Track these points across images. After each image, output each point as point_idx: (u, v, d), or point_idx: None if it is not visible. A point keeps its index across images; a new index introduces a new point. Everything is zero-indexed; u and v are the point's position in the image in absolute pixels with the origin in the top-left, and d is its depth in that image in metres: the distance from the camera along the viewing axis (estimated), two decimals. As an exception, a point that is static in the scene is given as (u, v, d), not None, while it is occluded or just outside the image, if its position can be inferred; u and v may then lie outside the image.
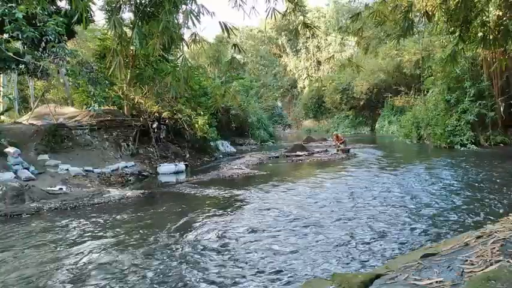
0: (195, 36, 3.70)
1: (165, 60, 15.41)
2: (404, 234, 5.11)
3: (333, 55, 35.17)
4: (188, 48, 4.05)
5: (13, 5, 8.25)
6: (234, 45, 4.11)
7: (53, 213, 7.35)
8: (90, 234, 5.83)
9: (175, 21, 3.53)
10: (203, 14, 3.45)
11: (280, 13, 4.28)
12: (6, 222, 6.68)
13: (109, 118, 13.88)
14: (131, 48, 12.44)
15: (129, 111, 14.99)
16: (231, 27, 3.66)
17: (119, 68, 3.51)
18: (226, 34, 3.70)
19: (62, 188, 9.01)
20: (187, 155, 15.38)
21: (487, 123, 15.62)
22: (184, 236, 5.52)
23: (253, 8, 4.16)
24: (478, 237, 2.70)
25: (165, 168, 12.82)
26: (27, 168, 9.68)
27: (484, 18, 5.20)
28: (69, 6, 10.79)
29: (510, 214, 3.44)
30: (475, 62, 16.11)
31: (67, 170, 10.41)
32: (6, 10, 8.09)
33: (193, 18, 3.33)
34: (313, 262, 4.25)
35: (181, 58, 3.70)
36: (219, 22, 3.62)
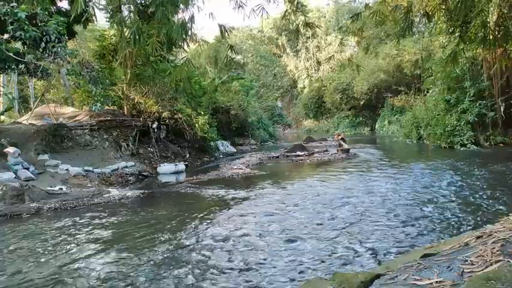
0: (193, 36, 3.70)
1: (165, 60, 15.41)
2: (405, 234, 5.11)
3: (333, 55, 35.11)
4: (188, 47, 4.05)
5: (14, 4, 8.24)
6: (230, 46, 4.10)
7: (53, 213, 7.35)
8: (90, 234, 5.84)
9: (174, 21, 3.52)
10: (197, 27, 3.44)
11: (267, 13, 4.25)
12: (6, 222, 6.69)
13: (109, 118, 13.88)
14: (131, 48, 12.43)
15: (129, 111, 14.98)
16: (230, 29, 3.66)
17: (123, 65, 3.51)
18: (224, 35, 3.70)
19: (62, 188, 9.01)
20: (187, 155, 15.38)
21: (487, 123, 15.60)
22: (185, 236, 5.53)
23: (253, 10, 4.14)
24: (478, 237, 2.70)
25: (165, 168, 12.82)
26: (27, 168, 9.67)
27: (484, 18, 5.19)
28: (69, 6, 10.78)
29: (510, 214, 3.44)
30: (475, 62, 16.08)
31: (67, 170, 10.41)
32: (8, 10, 8.08)
33: (188, 28, 3.34)
34: (313, 262, 4.25)
35: (184, 59, 3.70)
36: (218, 25, 3.62)
